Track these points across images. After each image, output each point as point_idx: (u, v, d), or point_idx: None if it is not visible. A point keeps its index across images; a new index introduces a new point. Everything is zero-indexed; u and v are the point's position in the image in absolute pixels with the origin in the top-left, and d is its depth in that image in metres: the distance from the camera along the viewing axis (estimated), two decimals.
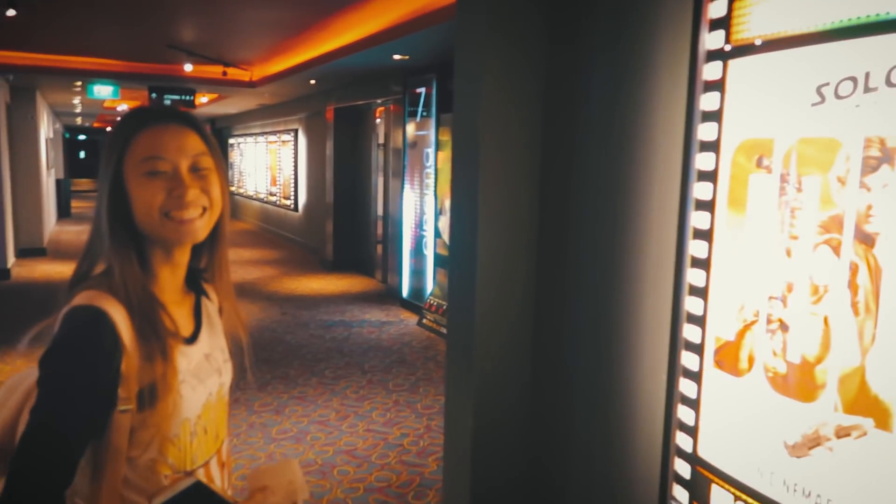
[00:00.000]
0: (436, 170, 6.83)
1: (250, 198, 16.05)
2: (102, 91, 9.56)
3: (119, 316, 1.03)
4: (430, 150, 6.94)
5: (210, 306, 1.26)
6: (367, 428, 4.22)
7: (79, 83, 9.58)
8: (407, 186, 7.48)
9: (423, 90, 7.03)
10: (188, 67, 8.18)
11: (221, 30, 6.55)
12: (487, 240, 2.18)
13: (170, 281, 1.16)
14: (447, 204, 6.62)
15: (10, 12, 4.86)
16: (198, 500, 1.09)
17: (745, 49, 1.51)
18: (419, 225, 7.28)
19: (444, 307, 6.47)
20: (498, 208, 2.19)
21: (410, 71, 7.12)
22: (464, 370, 2.27)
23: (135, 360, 1.03)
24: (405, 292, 7.62)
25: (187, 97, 9.58)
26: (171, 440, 1.10)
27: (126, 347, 1.02)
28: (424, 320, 6.75)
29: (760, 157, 1.47)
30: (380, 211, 8.80)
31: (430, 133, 6.92)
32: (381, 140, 8.81)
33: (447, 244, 6.58)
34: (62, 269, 9.31)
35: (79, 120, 20.01)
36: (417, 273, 7.38)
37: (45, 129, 12.09)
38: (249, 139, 16.14)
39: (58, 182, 15.45)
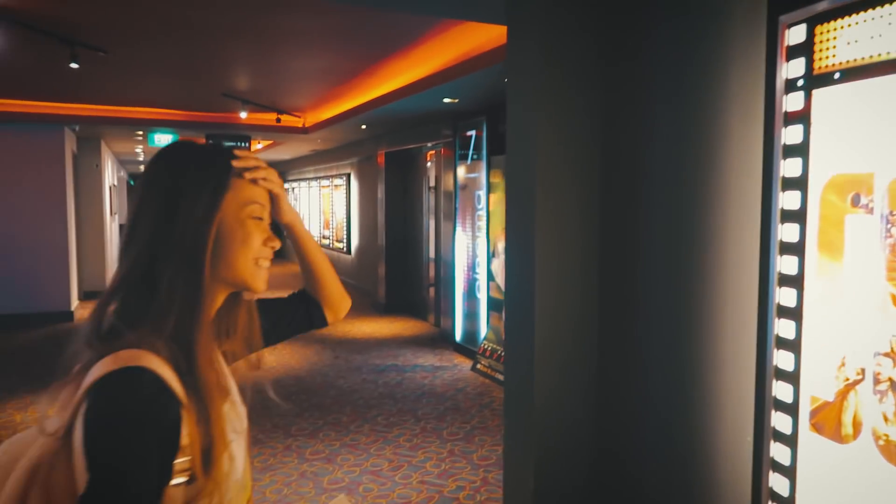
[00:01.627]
0: (488, 212, 6.74)
1: None
2: (162, 139, 9.88)
3: (173, 379, 0.91)
4: (482, 193, 6.87)
5: (219, 351, 1.14)
6: (420, 479, 4.06)
7: (140, 132, 9.93)
8: (459, 229, 7.41)
9: (473, 133, 7.00)
10: (243, 115, 8.38)
11: (274, 78, 6.69)
12: (544, 286, 2.06)
13: (210, 327, 1.05)
14: (500, 246, 6.50)
15: (73, 65, 5.05)
16: None
17: (832, 77, 1.37)
18: (472, 268, 7.17)
19: (499, 352, 6.29)
20: (554, 256, 2.06)
21: (460, 114, 7.12)
22: (522, 427, 2.12)
23: (191, 426, 0.92)
24: (458, 336, 7.48)
25: (243, 143, 9.81)
26: (221, 502, 0.99)
27: (185, 415, 0.91)
28: (478, 365, 6.58)
29: (857, 195, 1.31)
30: (432, 254, 8.75)
31: (482, 175, 6.86)
32: (433, 183, 8.80)
33: (500, 287, 6.45)
34: None
35: (142, 167, 20.83)
36: (471, 316, 7.24)
37: (110, 176, 12.56)
38: (303, 184, 16.44)
39: (121, 227, 16.01)
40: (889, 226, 1.24)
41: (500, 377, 5.99)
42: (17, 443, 1.00)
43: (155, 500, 0.89)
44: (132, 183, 22.22)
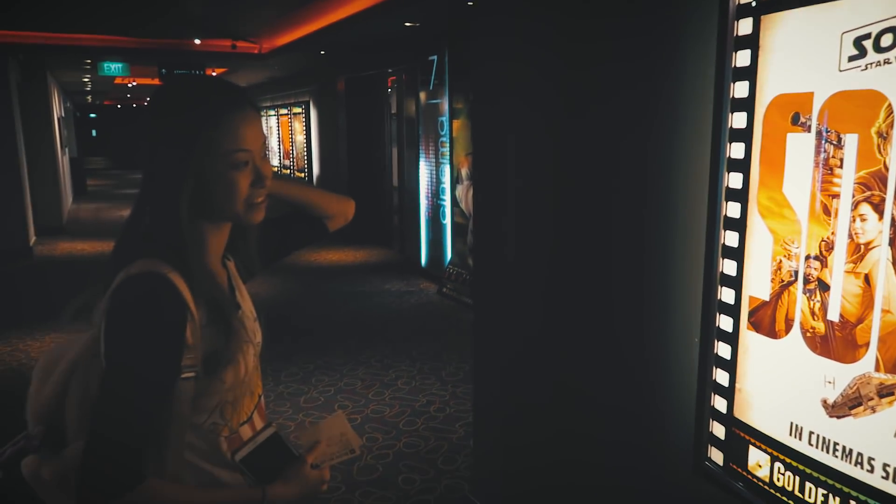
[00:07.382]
0: (451, 138, 6.77)
1: None
2: (113, 68, 9.55)
3: (181, 284, 1.02)
4: (444, 119, 6.88)
5: (233, 270, 1.27)
6: (393, 396, 4.27)
7: (89, 61, 9.57)
8: (422, 156, 7.44)
9: (434, 58, 6.94)
10: (197, 42, 8.13)
11: (230, 2, 6.48)
12: (513, 206, 2.17)
13: (217, 251, 1.17)
14: (464, 172, 6.58)
15: None
16: (273, 452, 1.16)
17: (778, 3, 1.47)
18: (436, 194, 7.25)
19: (464, 275, 6.47)
20: (521, 184, 2.17)
21: (422, 39, 7.03)
22: (492, 340, 2.28)
23: (198, 327, 1.04)
24: (424, 262, 7.64)
25: (197, 72, 9.54)
26: (232, 404, 1.13)
27: (192, 314, 1.03)
28: (444, 289, 6.76)
29: (797, 114, 1.44)
30: (395, 181, 8.77)
31: (444, 101, 6.85)
32: (395, 110, 8.74)
33: (465, 213, 6.56)
34: (82, 247, 9.40)
35: (89, 98, 20.03)
36: (435, 242, 7.38)
37: (58, 108, 12.11)
38: (260, 112, 16.10)
39: (72, 161, 15.50)
40: (823, 142, 1.37)
41: (466, 299, 6.19)
42: (57, 348, 1.14)
43: (165, 390, 1.02)
44: (78, 115, 21.40)
